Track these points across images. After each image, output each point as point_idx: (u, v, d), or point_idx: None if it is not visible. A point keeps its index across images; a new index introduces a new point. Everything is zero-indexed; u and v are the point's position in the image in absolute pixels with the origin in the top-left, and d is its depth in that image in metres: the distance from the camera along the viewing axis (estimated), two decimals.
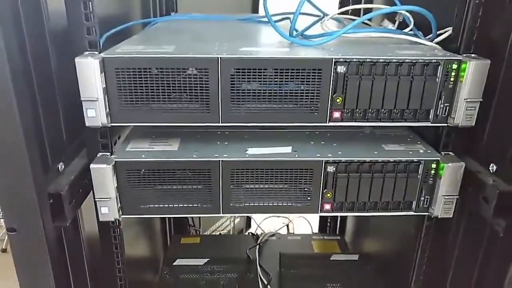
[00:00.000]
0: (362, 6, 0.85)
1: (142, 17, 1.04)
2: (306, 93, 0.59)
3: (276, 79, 0.58)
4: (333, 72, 0.58)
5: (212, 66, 0.57)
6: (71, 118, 0.62)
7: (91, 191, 0.63)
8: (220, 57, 0.57)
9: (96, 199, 0.62)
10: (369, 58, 0.58)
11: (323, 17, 0.83)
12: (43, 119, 0.56)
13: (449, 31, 0.69)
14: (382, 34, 0.69)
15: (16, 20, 0.50)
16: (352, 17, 0.86)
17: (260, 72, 0.58)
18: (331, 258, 0.98)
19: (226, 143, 0.68)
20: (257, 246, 1.03)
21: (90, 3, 0.56)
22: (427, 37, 0.72)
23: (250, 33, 0.85)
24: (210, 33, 0.82)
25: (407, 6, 0.65)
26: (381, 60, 0.58)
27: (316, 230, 1.32)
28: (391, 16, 0.83)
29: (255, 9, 1.32)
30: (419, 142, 0.69)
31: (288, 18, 0.89)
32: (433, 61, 0.59)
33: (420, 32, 0.74)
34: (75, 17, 0.57)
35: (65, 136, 0.62)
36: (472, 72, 0.57)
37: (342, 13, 1.17)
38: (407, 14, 0.75)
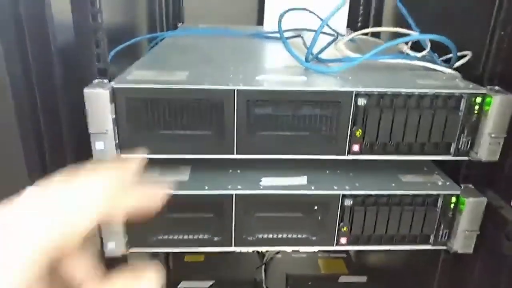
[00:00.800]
0: (381, 29, 0.82)
1: (149, 27, 1.02)
2: (324, 125, 0.57)
3: (293, 111, 0.56)
4: (354, 105, 0.56)
5: (228, 98, 0.55)
6: (79, 147, 0.59)
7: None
8: (237, 89, 0.54)
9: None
10: (390, 91, 0.56)
11: (337, 37, 0.81)
12: (48, 151, 0.54)
13: (468, 55, 0.67)
14: (401, 61, 0.67)
15: (20, 41, 0.48)
16: (365, 36, 0.83)
17: (278, 104, 0.56)
18: (339, 280, 0.97)
19: (239, 171, 0.65)
20: (263, 266, 1.01)
21: (101, 32, 0.54)
22: (442, 58, 0.70)
23: (262, 53, 0.83)
24: (222, 53, 0.80)
25: (429, 35, 0.63)
26: (403, 93, 0.56)
27: None
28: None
29: (260, 20, 1.30)
30: (436, 172, 0.67)
31: (299, 35, 0.87)
32: (456, 94, 0.56)
33: (436, 54, 0.72)
34: (85, 43, 0.55)
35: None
36: (497, 106, 0.55)
37: (351, 30, 1.15)
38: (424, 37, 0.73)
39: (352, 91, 0.55)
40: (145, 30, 1.01)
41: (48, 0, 0.53)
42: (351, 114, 0.56)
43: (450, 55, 0.69)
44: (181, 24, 1.18)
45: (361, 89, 0.55)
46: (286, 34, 0.78)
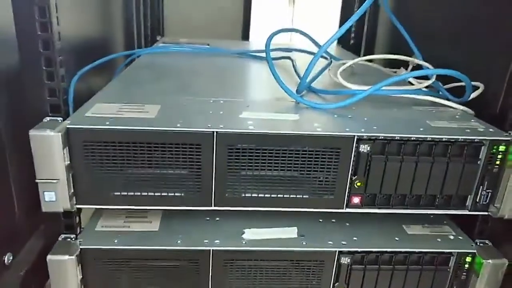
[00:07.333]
0: (384, 56, 0.74)
1: (126, 41, 0.93)
2: (320, 175, 0.48)
3: (282, 157, 0.47)
4: (354, 152, 0.47)
5: (205, 142, 0.46)
6: (27, 190, 0.49)
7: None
8: (216, 132, 0.45)
9: None
10: (398, 136, 0.47)
11: (331, 62, 0.72)
12: None
13: (480, 88, 0.59)
14: (410, 95, 0.59)
15: None
16: (360, 59, 0.74)
17: (264, 149, 0.47)
18: None
19: (218, 218, 0.56)
20: None
21: (58, 57, 0.44)
22: (446, 87, 0.62)
23: (247, 77, 0.74)
24: (201, 77, 0.71)
25: (443, 69, 0.54)
26: (413, 139, 0.48)
27: None
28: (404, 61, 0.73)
29: (245, 35, 1.21)
30: (445, 222, 0.58)
31: (288, 57, 0.78)
32: (476, 140, 0.48)
33: (440, 83, 0.63)
34: (33, 75, 0.45)
35: (16, 214, 0.50)
36: None
37: (342, 46, 1.06)
38: (427, 64, 0.64)
39: (353, 136, 0.47)
40: (121, 43, 0.91)
41: None
42: (351, 162, 0.48)
43: (455, 84, 0.61)
44: (161, 38, 1.09)
45: (363, 134, 0.47)
46: (274, 54, 0.70)
